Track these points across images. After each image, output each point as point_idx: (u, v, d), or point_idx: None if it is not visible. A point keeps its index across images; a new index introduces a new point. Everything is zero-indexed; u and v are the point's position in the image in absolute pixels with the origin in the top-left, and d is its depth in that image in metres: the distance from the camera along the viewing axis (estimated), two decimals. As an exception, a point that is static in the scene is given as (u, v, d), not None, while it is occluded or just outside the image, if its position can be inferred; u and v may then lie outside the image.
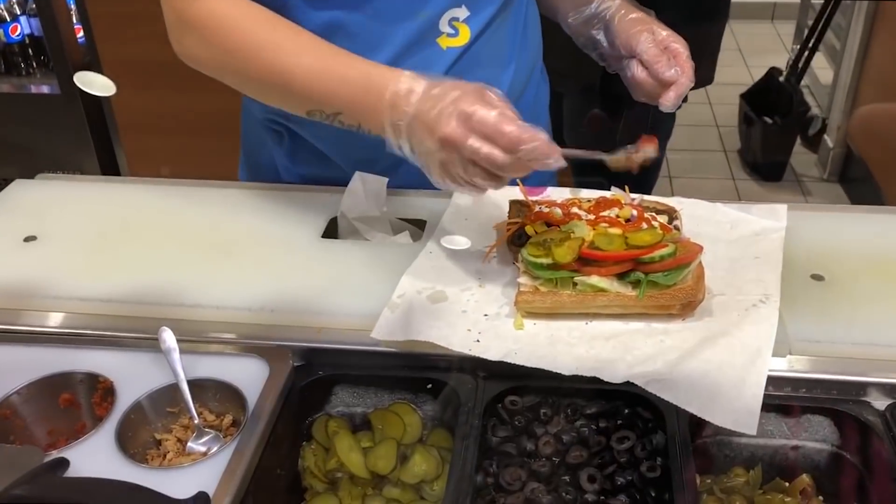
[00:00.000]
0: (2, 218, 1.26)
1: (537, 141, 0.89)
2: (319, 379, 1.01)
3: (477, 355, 0.96)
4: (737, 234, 1.14)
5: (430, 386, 1.00)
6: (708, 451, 0.96)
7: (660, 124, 2.10)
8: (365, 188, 1.23)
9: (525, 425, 0.94)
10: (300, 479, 0.99)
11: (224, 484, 0.84)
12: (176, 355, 0.97)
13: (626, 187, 1.15)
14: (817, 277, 1.07)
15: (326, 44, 1.03)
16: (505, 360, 0.95)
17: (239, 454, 0.87)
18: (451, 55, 1.17)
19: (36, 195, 1.32)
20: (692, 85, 1.09)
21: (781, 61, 3.72)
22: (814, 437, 0.94)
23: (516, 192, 1.21)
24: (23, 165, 2.62)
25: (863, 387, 0.93)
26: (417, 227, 1.26)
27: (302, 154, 1.31)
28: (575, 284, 1.00)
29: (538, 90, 1.34)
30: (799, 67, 3.57)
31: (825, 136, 3.67)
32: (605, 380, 0.91)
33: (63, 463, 0.85)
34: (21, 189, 1.33)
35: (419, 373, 1.01)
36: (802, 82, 3.64)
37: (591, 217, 1.05)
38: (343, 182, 1.22)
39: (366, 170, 1.22)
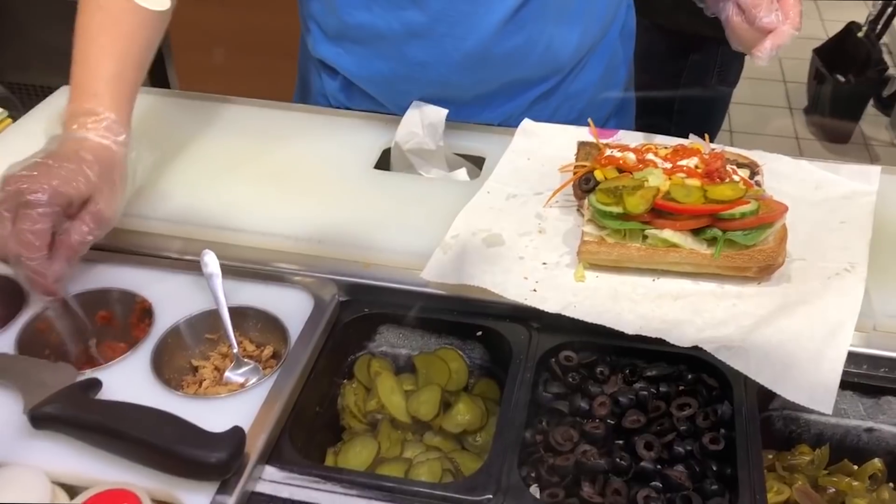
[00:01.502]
0: (45, 126, 1.21)
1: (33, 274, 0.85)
2: (364, 316, 0.96)
3: (533, 306, 0.90)
4: (822, 195, 1.05)
5: (479, 333, 0.95)
6: (773, 425, 0.89)
7: (726, 71, 1.98)
8: (422, 119, 1.16)
9: (579, 383, 0.89)
10: (338, 418, 0.94)
11: (261, 418, 0.80)
12: (218, 280, 0.92)
13: (707, 136, 1.07)
14: (908, 248, 0.98)
15: (110, 38, 0.98)
16: (563, 312, 0.89)
17: (278, 388, 0.83)
18: (508, 3, 1.08)
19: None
20: (797, 34, 0.98)
21: (861, 16, 3.51)
22: (891, 420, 0.87)
23: (585, 133, 1.13)
24: (69, 75, 2.58)
25: (951, 371, 0.85)
26: (475, 164, 1.19)
27: (355, 92, 1.25)
28: (645, 237, 0.92)
29: (614, 53, 1.25)
30: (880, 24, 3.37)
31: (901, 98, 3.48)
32: (672, 343, 0.85)
33: (96, 384, 0.81)
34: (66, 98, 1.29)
35: (469, 318, 0.95)
36: (882, 40, 3.44)
37: (668, 166, 0.97)
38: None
39: None
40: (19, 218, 0.86)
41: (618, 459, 0.80)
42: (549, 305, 0.90)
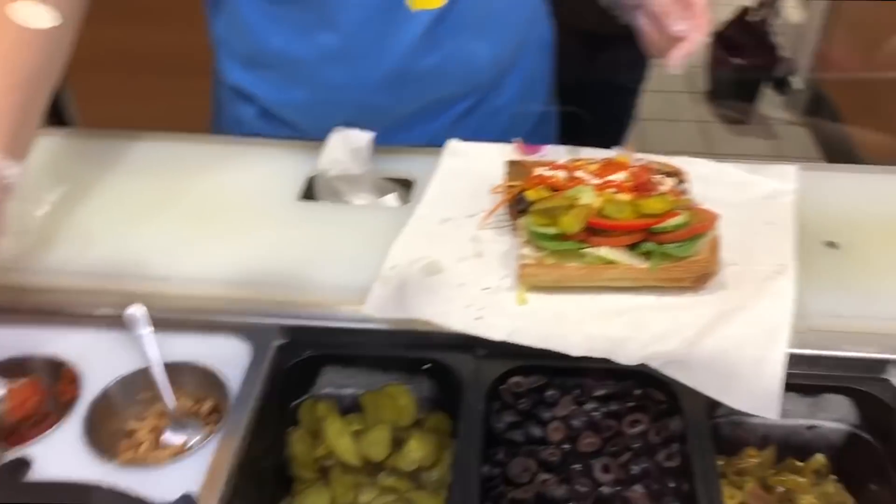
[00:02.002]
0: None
1: None
2: (306, 359, 0.93)
3: (478, 334, 0.89)
4: (745, 196, 1.08)
5: (426, 366, 0.93)
6: (720, 432, 0.91)
7: (636, 66, 2.02)
8: (346, 144, 1.13)
9: (530, 409, 0.88)
10: (287, 469, 0.91)
11: (209, 482, 0.76)
12: (148, 336, 0.88)
13: (631, 147, 1.08)
14: (831, 245, 1.02)
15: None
16: (509, 339, 0.88)
17: (224, 447, 0.80)
18: (422, 20, 1.07)
19: None
20: (706, 40, 1.00)
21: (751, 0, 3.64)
22: (831, 416, 0.90)
23: (512, 151, 1.13)
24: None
25: (883, 364, 0.89)
26: (404, 187, 1.17)
27: (273, 119, 1.21)
28: (583, 256, 0.92)
29: (534, 66, 1.25)
30: (770, 7, 3.50)
31: (794, 78, 3.63)
32: (619, 362, 0.85)
33: (24, 464, 0.76)
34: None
35: (414, 352, 0.93)
36: (773, 21, 3.58)
37: (598, 181, 0.97)
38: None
39: None
40: None
41: (578, 486, 0.80)
42: (495, 333, 0.89)
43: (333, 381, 0.95)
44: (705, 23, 0.98)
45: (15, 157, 0.88)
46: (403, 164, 1.17)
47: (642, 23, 1.02)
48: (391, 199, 1.14)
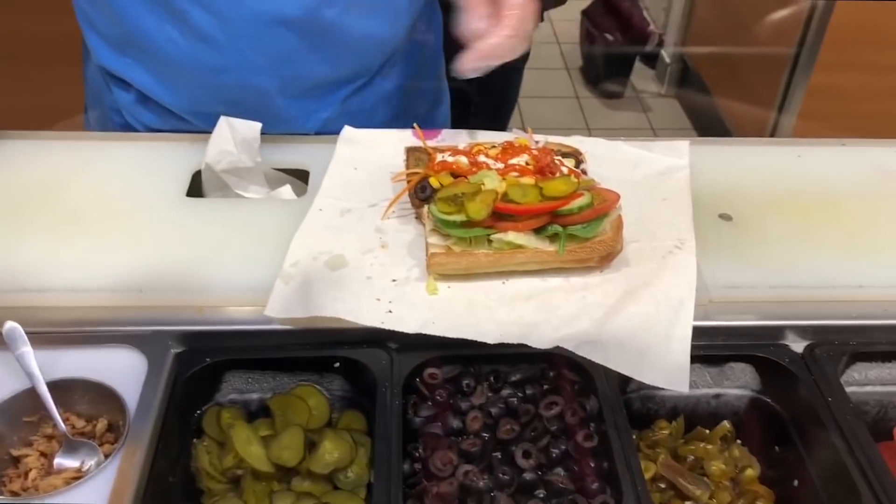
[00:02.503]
0: None
1: None
2: (206, 367, 0.87)
3: (391, 328, 0.86)
4: (640, 174, 1.09)
5: (337, 364, 0.90)
6: (632, 407, 0.92)
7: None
8: (234, 135, 1.07)
9: (447, 399, 0.87)
10: (194, 482, 0.86)
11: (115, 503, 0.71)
12: (28, 353, 0.80)
13: (529, 129, 1.07)
14: (725, 217, 1.05)
15: None
16: (423, 331, 0.86)
17: (126, 467, 0.74)
18: None
19: None
20: (510, 46, 0.93)
21: (622, -24, 3.73)
22: (735, 384, 0.93)
23: (410, 137, 1.10)
24: None
25: (780, 330, 0.92)
26: (298, 178, 1.12)
27: (153, 105, 1.14)
28: (490, 242, 0.91)
29: (424, 46, 1.22)
30: (638, -17, 3.61)
31: (662, 52, 3.77)
32: (533, 346, 0.85)
33: None
34: None
35: (323, 350, 0.90)
36: (641, -2, 3.69)
37: (500, 166, 0.96)
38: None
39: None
40: None
41: (500, 475, 0.79)
42: (408, 326, 0.86)
43: (237, 387, 0.91)
44: (512, 23, 0.93)
45: None
46: (296, 154, 1.13)
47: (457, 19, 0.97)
48: (286, 192, 1.09)
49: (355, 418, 0.91)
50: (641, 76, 3.86)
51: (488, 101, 1.93)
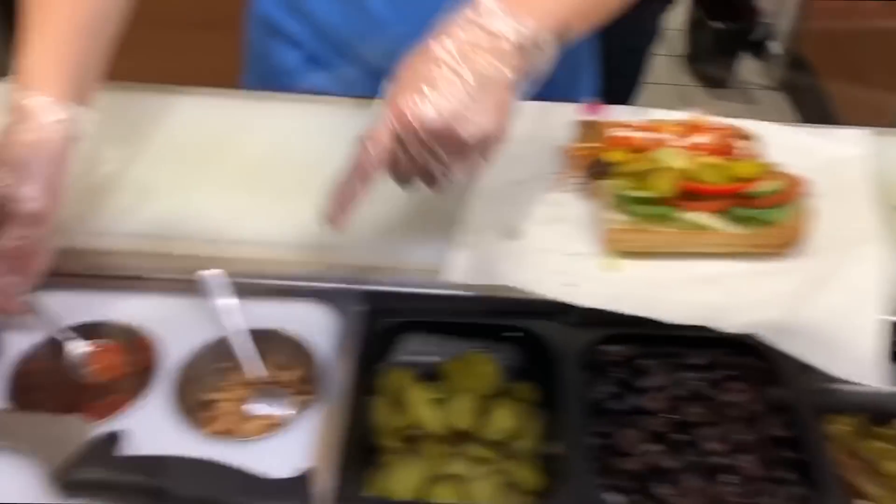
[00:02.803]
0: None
1: None
2: (386, 326, 0.89)
3: (571, 302, 0.86)
4: (815, 161, 1.06)
5: (511, 334, 0.90)
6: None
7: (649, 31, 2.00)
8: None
9: (625, 378, 0.86)
10: (370, 439, 0.88)
11: (320, 455, 0.73)
12: (226, 301, 0.83)
13: (703, 110, 1.05)
14: (902, 209, 1.01)
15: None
16: (604, 307, 0.86)
17: (323, 419, 0.76)
18: None
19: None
20: None
21: (735, -39, 3.63)
22: (918, 382, 0.90)
23: (575, 110, 1.09)
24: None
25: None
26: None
27: (322, 62, 1.15)
28: (673, 221, 0.90)
29: None
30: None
31: (772, 43, 3.65)
32: (720, 330, 0.84)
33: (119, 437, 0.71)
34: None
35: (498, 319, 0.90)
36: (753, -15, 3.58)
37: (682, 144, 0.94)
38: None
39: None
40: None
41: (688, 456, 0.79)
42: (588, 300, 0.86)
43: (413, 349, 0.92)
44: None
45: (80, 105, 0.81)
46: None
47: None
48: (455, 160, 1.09)
49: (527, 389, 0.91)
50: (748, 66, 3.75)
51: (616, 82, 1.91)
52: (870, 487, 0.85)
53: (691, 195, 0.90)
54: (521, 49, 0.75)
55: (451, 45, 0.74)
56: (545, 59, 0.78)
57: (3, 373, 0.78)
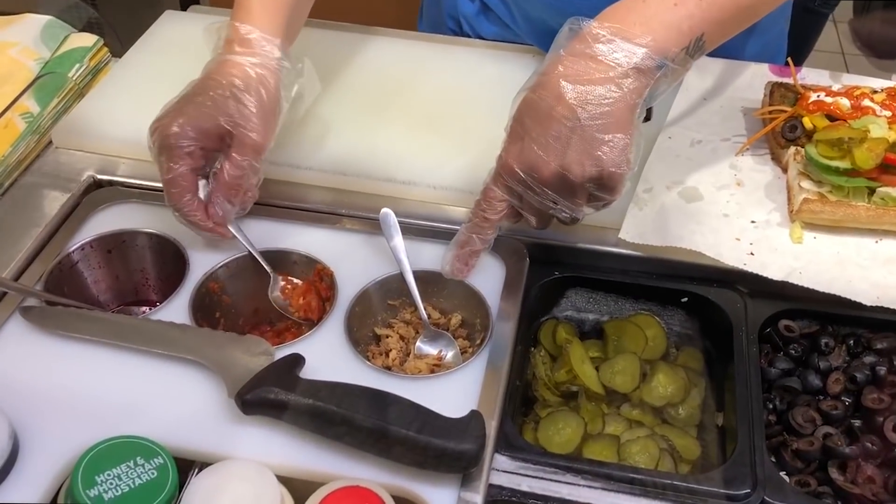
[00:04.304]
0: (160, 57, 1.09)
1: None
2: (554, 280, 0.88)
3: (753, 271, 0.82)
4: None
5: (684, 299, 0.87)
6: None
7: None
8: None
9: (802, 356, 0.82)
10: (528, 389, 0.88)
11: (485, 400, 0.73)
12: (400, 242, 0.84)
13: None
14: None
15: None
16: (789, 280, 0.81)
17: (493, 365, 0.76)
18: None
19: (191, 31, 1.14)
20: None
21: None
22: None
23: (766, 71, 1.04)
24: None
25: None
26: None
27: (493, 18, 1.14)
28: (871, 195, 0.84)
29: None
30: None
31: (957, 13, 3.34)
32: (914, 314, 0.78)
33: (300, 360, 0.74)
34: (173, 23, 1.16)
35: (670, 282, 0.88)
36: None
37: (888, 114, 0.88)
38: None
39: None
40: (161, 164, 0.79)
41: (868, 444, 0.74)
42: (772, 272, 0.82)
43: (576, 305, 0.91)
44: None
45: (283, 46, 0.84)
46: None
47: None
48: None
49: (693, 356, 0.89)
50: (922, 37, 3.46)
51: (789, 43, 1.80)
52: None
53: (894, 169, 0.83)
54: (640, 71, 0.70)
55: (560, 86, 0.70)
56: (676, 73, 0.73)
57: (189, 289, 0.82)
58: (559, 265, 0.88)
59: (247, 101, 0.80)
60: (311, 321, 0.83)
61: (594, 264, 0.88)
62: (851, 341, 0.83)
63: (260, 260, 0.83)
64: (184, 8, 1.31)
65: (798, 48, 1.97)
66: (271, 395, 0.69)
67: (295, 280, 0.84)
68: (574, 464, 0.71)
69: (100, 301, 0.88)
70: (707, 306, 0.85)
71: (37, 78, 1.04)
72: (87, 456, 0.65)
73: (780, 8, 1.14)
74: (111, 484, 0.64)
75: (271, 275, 0.84)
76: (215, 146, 0.80)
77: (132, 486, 0.64)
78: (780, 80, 1.00)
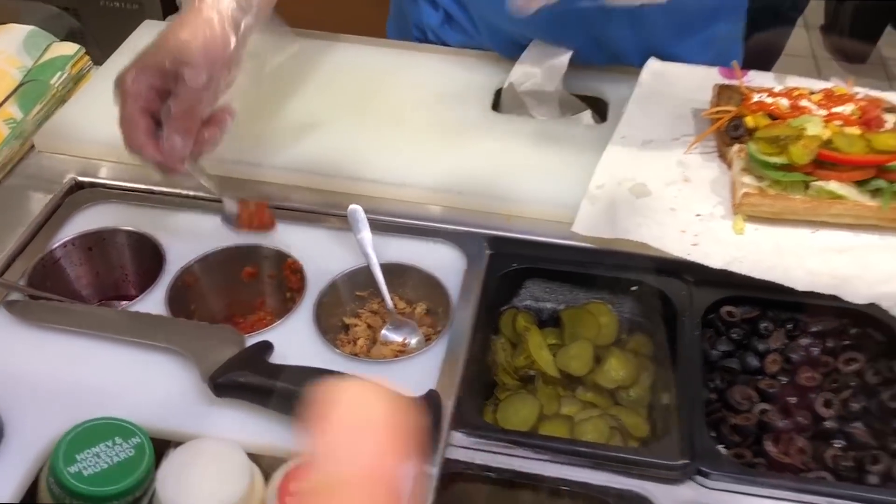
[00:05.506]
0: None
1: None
2: (512, 271, 0.93)
3: (696, 261, 0.88)
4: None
5: (634, 288, 0.93)
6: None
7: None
8: (542, 60, 1.11)
9: (743, 339, 0.88)
10: (489, 374, 0.93)
11: (443, 381, 0.78)
12: (366, 235, 0.89)
13: (850, 80, 1.03)
14: None
15: None
16: (729, 268, 0.87)
17: (451, 349, 0.81)
18: None
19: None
20: None
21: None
22: None
23: (715, 74, 1.09)
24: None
25: None
26: (592, 107, 1.14)
27: (456, 27, 1.19)
28: (808, 189, 0.90)
29: None
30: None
31: (923, 18, 3.44)
32: (846, 299, 0.84)
33: (269, 347, 0.79)
34: (152, 32, 1.21)
35: (620, 272, 0.93)
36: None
37: (823, 113, 0.94)
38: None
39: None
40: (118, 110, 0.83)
41: (799, 419, 0.80)
42: (713, 261, 0.88)
43: (534, 295, 0.96)
44: None
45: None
46: (594, 84, 1.15)
47: None
48: (586, 117, 1.12)
49: (642, 342, 0.94)
50: (891, 42, 3.55)
51: (755, 48, 1.86)
52: None
53: (828, 164, 0.89)
54: None
55: None
56: None
57: (165, 283, 0.86)
58: (518, 257, 0.93)
59: (189, 39, 0.81)
60: (262, 231, 0.88)
61: (550, 256, 0.94)
62: (790, 325, 0.89)
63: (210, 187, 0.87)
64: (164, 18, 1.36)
65: (768, 52, 2.02)
66: (241, 378, 0.74)
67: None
68: (525, 439, 0.76)
69: (82, 296, 0.93)
70: (655, 294, 0.91)
71: (19, 85, 1.09)
72: (68, 436, 0.70)
73: (735, 17, 1.21)
74: (90, 461, 0.69)
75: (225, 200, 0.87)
76: (164, 85, 0.82)
77: (110, 464, 0.69)
78: (727, 82, 1.06)
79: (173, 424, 0.74)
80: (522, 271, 0.94)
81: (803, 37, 3.71)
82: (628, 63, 1.13)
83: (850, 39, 3.55)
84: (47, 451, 0.71)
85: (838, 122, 0.92)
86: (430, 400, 0.72)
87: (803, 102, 0.95)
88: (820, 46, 3.67)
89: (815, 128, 0.91)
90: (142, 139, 0.82)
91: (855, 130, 0.91)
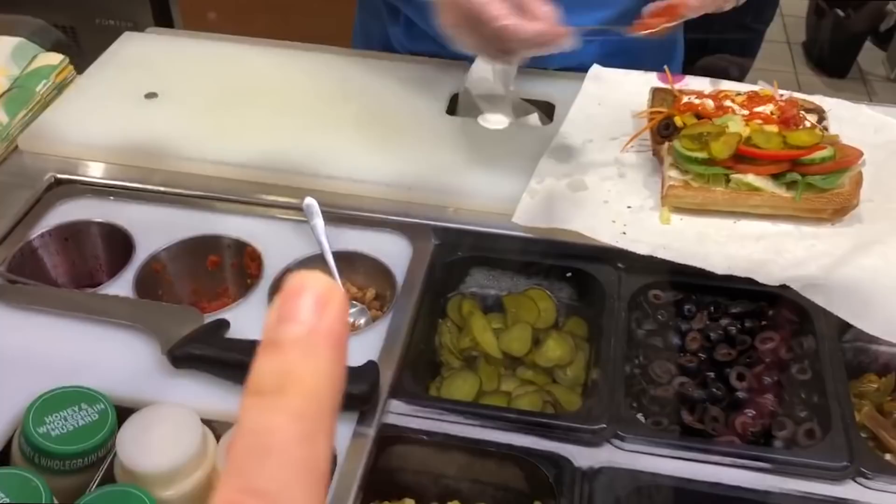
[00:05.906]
0: (118, 72, 1.22)
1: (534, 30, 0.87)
2: (457, 259, 1.00)
3: (624, 248, 0.95)
4: (883, 138, 1.10)
5: (569, 274, 1.00)
6: (844, 356, 0.96)
7: (763, 9, 2.01)
8: (494, 65, 1.18)
9: (668, 320, 0.95)
10: (436, 355, 1.00)
11: (384, 356, 0.85)
12: (320, 225, 0.96)
13: (775, 83, 1.11)
14: (967, 190, 1.04)
15: None
16: (654, 255, 0.94)
17: (393, 328, 0.88)
18: None
19: (147, 50, 1.28)
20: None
21: (863, -52, 3.51)
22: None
23: (654, 79, 1.17)
24: (74, 12, 2.51)
25: None
26: (542, 109, 1.22)
27: (418, 35, 1.27)
28: (728, 181, 0.97)
29: None
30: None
31: (897, 34, 3.53)
32: (760, 281, 0.91)
33: (225, 324, 0.86)
34: (132, 42, 1.29)
35: (557, 260, 1.00)
36: (882, -27, 3.46)
37: (745, 112, 1.01)
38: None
39: None
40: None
41: (714, 390, 0.87)
42: (640, 248, 0.95)
43: (479, 282, 1.03)
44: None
45: None
46: (543, 87, 1.22)
47: None
48: (533, 119, 1.20)
49: (579, 324, 1.01)
50: (870, 57, 3.64)
51: (725, 58, 1.95)
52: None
53: (747, 159, 0.97)
54: None
55: None
56: None
57: (134, 268, 0.94)
58: (463, 246, 1.01)
59: None
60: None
61: (493, 245, 1.01)
62: (712, 307, 0.96)
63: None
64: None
65: (738, 64, 2.11)
66: (197, 351, 0.81)
67: None
68: (459, 406, 0.83)
69: (59, 284, 1.00)
70: (588, 280, 0.98)
71: (6, 91, 1.17)
72: (38, 401, 0.77)
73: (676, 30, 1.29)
74: (58, 424, 0.76)
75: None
76: None
77: (76, 426, 0.76)
78: (663, 85, 1.13)
79: (135, 393, 0.81)
80: (468, 259, 1.01)
81: (785, 52, 3.81)
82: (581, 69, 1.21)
83: (830, 54, 3.65)
84: (20, 417, 0.78)
85: (758, 121, 1.00)
86: (368, 369, 0.79)
87: (727, 103, 1.02)
88: (801, 62, 3.77)
89: (736, 126, 0.98)
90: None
91: (773, 128, 0.98)
